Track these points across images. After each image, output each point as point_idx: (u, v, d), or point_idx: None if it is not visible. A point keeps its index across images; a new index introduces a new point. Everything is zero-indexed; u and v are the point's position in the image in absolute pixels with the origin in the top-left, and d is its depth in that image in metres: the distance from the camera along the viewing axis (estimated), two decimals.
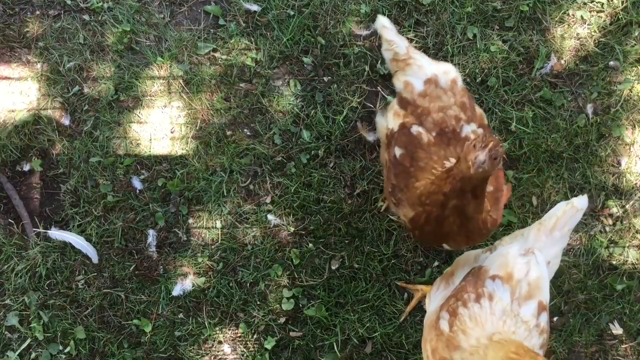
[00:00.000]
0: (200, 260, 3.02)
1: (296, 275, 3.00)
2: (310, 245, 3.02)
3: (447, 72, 2.48)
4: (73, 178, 3.11)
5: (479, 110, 2.51)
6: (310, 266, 3.02)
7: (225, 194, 3.08)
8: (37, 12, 3.29)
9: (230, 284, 3.00)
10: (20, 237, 3.06)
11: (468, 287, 2.19)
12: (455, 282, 2.37)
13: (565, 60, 3.19)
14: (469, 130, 2.38)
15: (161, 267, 3.03)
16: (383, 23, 2.57)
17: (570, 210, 2.21)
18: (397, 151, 2.40)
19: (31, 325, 2.95)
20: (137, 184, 3.10)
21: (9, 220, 3.09)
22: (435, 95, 2.42)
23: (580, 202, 2.22)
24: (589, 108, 3.14)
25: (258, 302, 2.99)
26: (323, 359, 2.93)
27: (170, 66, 3.22)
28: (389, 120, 2.54)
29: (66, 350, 2.94)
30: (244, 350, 2.95)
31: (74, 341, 2.94)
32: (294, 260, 3.01)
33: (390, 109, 2.55)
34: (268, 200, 3.08)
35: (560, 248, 2.28)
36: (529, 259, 2.15)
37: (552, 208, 2.28)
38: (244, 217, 3.07)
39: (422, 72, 2.47)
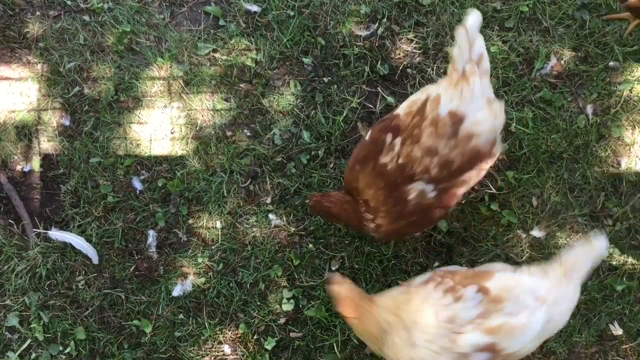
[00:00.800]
0: (200, 260, 3.02)
1: (296, 276, 3.00)
2: (311, 245, 3.03)
3: (478, 123, 2.14)
4: (73, 178, 3.11)
5: (460, 192, 2.30)
6: (311, 267, 3.02)
7: (225, 194, 3.09)
8: (38, 13, 3.29)
9: (231, 285, 3.01)
10: (20, 238, 3.06)
11: (455, 276, 2.20)
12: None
13: (565, 61, 3.19)
14: (417, 187, 2.29)
15: (161, 267, 3.04)
16: (469, 26, 2.17)
17: (591, 253, 2.21)
18: (368, 134, 2.42)
19: (31, 326, 2.95)
20: (137, 184, 3.10)
21: (9, 220, 3.09)
22: (441, 134, 2.16)
23: (601, 243, 2.22)
24: (589, 109, 3.14)
25: (258, 303, 2.99)
26: None
27: (171, 67, 3.22)
28: (437, 88, 2.21)
29: (66, 351, 2.94)
30: (244, 350, 2.95)
31: (74, 342, 2.95)
32: (294, 261, 3.01)
33: (441, 82, 2.24)
34: (268, 200, 3.08)
35: (572, 304, 2.24)
36: (536, 306, 2.13)
37: (572, 249, 2.25)
38: (244, 217, 3.07)
39: (465, 101, 2.14)
